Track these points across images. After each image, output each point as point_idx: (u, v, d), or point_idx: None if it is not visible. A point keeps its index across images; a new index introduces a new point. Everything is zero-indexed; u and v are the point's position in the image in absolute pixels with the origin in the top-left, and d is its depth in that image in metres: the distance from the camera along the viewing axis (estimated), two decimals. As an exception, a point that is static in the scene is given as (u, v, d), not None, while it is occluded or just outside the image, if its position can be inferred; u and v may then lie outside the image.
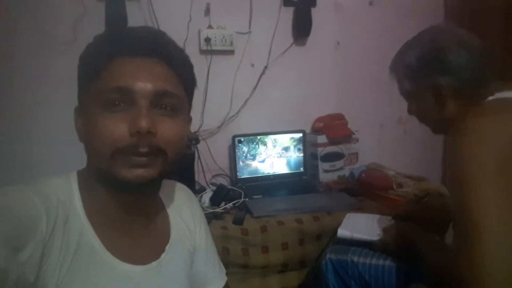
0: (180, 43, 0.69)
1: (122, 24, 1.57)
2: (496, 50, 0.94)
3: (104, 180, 0.63)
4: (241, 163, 1.81)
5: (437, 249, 0.89)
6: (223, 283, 0.87)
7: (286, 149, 1.87)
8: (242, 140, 1.80)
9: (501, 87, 0.87)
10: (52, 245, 0.55)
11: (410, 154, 2.19)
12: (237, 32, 1.80)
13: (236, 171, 1.80)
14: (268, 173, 1.85)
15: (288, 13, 1.89)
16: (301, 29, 1.90)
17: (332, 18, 1.99)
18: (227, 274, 0.90)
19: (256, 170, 1.83)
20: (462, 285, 0.67)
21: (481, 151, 0.73)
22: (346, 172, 1.88)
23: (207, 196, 1.58)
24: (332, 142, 1.86)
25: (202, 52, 1.75)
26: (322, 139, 1.85)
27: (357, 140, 1.94)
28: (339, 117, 1.97)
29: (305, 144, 1.89)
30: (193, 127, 1.72)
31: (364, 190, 1.66)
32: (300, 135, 1.89)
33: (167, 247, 0.72)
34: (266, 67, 1.88)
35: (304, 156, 1.90)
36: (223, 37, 1.76)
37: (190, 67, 0.71)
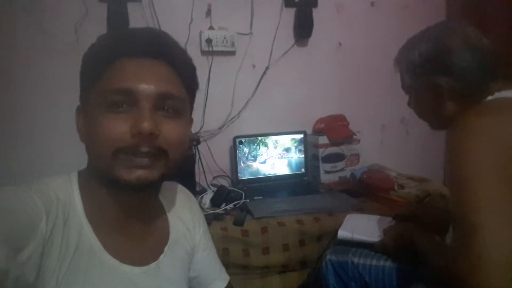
0: (181, 44, 0.69)
1: (124, 26, 1.58)
2: (501, 50, 0.92)
3: (104, 181, 0.63)
4: (242, 164, 1.81)
5: (437, 250, 0.88)
6: (226, 283, 0.87)
7: (287, 150, 1.87)
8: (243, 141, 1.80)
9: (501, 86, 0.86)
10: (52, 245, 0.56)
11: (412, 155, 2.18)
12: (238, 33, 1.80)
13: (237, 172, 1.80)
14: (269, 174, 1.85)
15: (289, 14, 1.89)
16: (303, 30, 1.90)
17: (333, 19, 1.99)
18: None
19: (257, 171, 1.83)
20: (462, 285, 0.66)
21: (480, 150, 0.73)
22: (347, 173, 1.88)
23: (207, 197, 1.58)
24: (333, 143, 1.86)
25: (204, 53, 1.75)
26: (323, 140, 1.84)
27: (359, 141, 1.93)
28: (341, 118, 1.97)
29: (306, 145, 1.89)
30: (194, 128, 1.72)
31: (365, 191, 1.66)
32: (301, 136, 1.89)
33: (165, 249, 0.72)
34: (267, 68, 1.88)
35: (305, 157, 1.89)
36: (225, 38, 1.76)
37: (193, 69, 0.71)
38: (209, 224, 0.90)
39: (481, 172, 0.71)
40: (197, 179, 1.70)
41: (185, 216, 0.80)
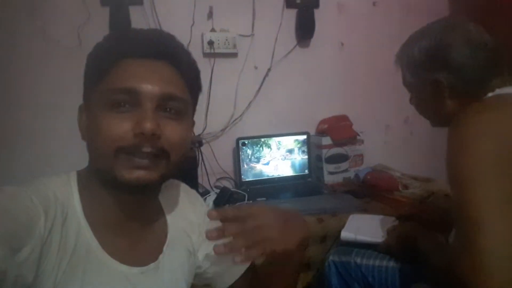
0: (183, 46, 0.70)
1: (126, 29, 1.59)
2: (504, 46, 0.91)
3: (104, 180, 0.63)
4: (245, 165, 1.80)
5: (440, 249, 0.88)
6: (244, 268, 0.81)
7: (290, 151, 1.86)
8: (246, 142, 1.80)
9: (502, 83, 0.86)
10: (50, 245, 0.56)
11: (417, 155, 2.17)
12: (240, 35, 1.80)
13: (240, 174, 1.80)
14: (273, 175, 1.84)
15: (291, 15, 1.89)
16: (305, 30, 1.89)
17: (335, 19, 1.98)
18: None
19: (261, 173, 1.83)
20: (465, 284, 0.66)
21: (481, 148, 0.72)
22: (351, 174, 1.87)
23: (210, 199, 1.58)
24: (337, 143, 1.85)
25: (205, 55, 1.76)
26: (326, 140, 1.84)
27: (362, 141, 1.93)
28: (344, 118, 1.96)
29: (310, 146, 1.89)
30: (197, 130, 1.72)
31: (369, 192, 1.65)
32: (305, 137, 1.88)
33: (164, 248, 0.72)
34: (269, 69, 1.88)
35: (309, 158, 1.89)
36: (226, 40, 1.76)
37: (197, 72, 0.72)
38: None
39: (482, 169, 0.70)
40: (200, 181, 1.70)
41: (185, 213, 0.79)
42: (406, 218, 1.17)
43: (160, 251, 0.71)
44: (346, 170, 1.88)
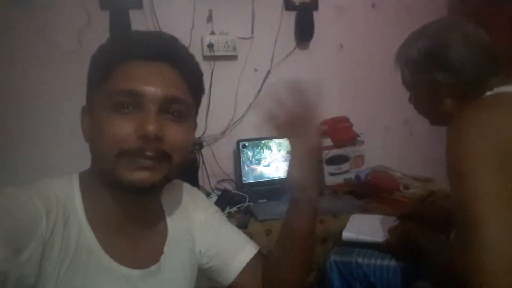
0: (184, 49, 0.70)
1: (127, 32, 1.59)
2: (501, 46, 0.92)
3: (107, 182, 0.63)
4: (246, 167, 1.81)
5: (441, 247, 0.88)
6: (252, 254, 0.79)
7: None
8: (247, 144, 1.81)
9: (500, 82, 0.86)
10: (52, 246, 0.56)
11: (417, 156, 2.17)
12: (239, 38, 1.81)
13: (241, 176, 1.80)
14: (274, 177, 1.84)
15: (290, 17, 1.90)
16: (304, 33, 1.90)
17: (334, 21, 1.99)
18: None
19: (261, 175, 1.83)
20: (465, 281, 0.66)
21: (480, 145, 0.72)
22: (352, 175, 1.87)
23: (211, 201, 1.58)
24: (337, 145, 1.85)
25: (206, 58, 1.77)
26: (327, 142, 1.84)
27: (363, 142, 1.93)
28: (344, 120, 1.96)
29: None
30: (197, 133, 1.72)
31: (370, 193, 1.65)
32: (305, 138, 1.88)
33: (165, 248, 0.72)
34: (269, 72, 1.88)
35: (310, 160, 1.88)
36: (226, 42, 1.77)
37: (200, 74, 0.71)
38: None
39: (481, 166, 0.70)
40: (201, 183, 1.71)
41: (187, 213, 0.79)
42: (406, 218, 1.17)
43: (161, 252, 0.71)
44: (346, 171, 1.89)
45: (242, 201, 1.57)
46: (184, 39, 1.76)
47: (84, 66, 0.66)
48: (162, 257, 0.70)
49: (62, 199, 0.60)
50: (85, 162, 0.66)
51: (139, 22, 1.66)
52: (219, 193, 1.65)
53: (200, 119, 1.70)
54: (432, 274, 0.92)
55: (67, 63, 1.58)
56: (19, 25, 1.54)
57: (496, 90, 0.85)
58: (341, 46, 2.03)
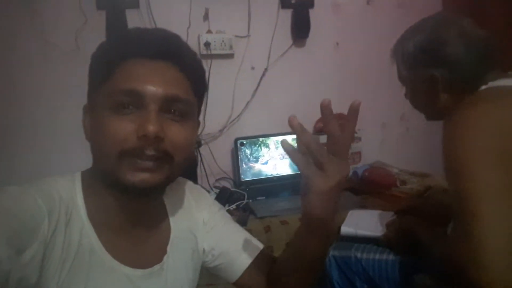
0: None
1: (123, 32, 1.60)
2: (498, 42, 0.92)
3: (108, 182, 0.62)
4: (244, 165, 1.81)
5: (439, 240, 0.89)
6: (256, 252, 0.79)
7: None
8: (245, 142, 1.81)
9: (495, 76, 0.87)
10: (54, 245, 0.55)
11: (413, 152, 2.19)
12: (236, 36, 1.82)
13: (239, 174, 1.80)
14: (271, 174, 1.85)
15: (286, 15, 1.91)
16: (300, 30, 1.91)
17: (330, 19, 2.00)
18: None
19: (259, 172, 1.83)
20: (462, 273, 0.67)
21: (476, 139, 0.73)
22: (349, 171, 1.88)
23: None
24: (334, 141, 1.86)
25: (202, 56, 1.76)
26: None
27: (360, 139, 1.94)
28: (341, 116, 1.95)
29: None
30: (196, 131, 1.73)
31: (367, 189, 1.66)
32: (302, 136, 1.89)
33: (168, 248, 0.71)
34: (266, 70, 1.89)
35: (307, 157, 1.89)
36: (223, 41, 1.78)
37: (202, 72, 0.70)
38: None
39: (478, 159, 0.71)
40: (199, 182, 1.71)
41: (190, 212, 0.78)
42: (404, 213, 1.18)
43: (164, 252, 0.70)
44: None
45: (240, 198, 1.58)
46: (181, 38, 1.75)
47: (82, 66, 0.65)
48: (165, 257, 0.70)
49: (65, 199, 0.60)
50: (85, 161, 0.66)
51: (135, 21, 1.66)
52: (217, 191, 1.66)
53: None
54: (431, 267, 0.93)
55: (65, 63, 1.58)
56: (17, 25, 1.54)
57: (491, 84, 0.86)
58: (337, 43, 2.03)
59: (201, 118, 1.83)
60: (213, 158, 1.84)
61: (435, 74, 0.91)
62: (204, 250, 0.79)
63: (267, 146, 1.84)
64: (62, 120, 1.55)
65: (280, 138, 1.84)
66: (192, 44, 1.73)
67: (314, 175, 0.55)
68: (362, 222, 1.24)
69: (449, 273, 0.76)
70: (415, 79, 0.97)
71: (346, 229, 1.21)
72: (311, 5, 1.93)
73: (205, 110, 1.78)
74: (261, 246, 0.81)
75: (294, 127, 0.56)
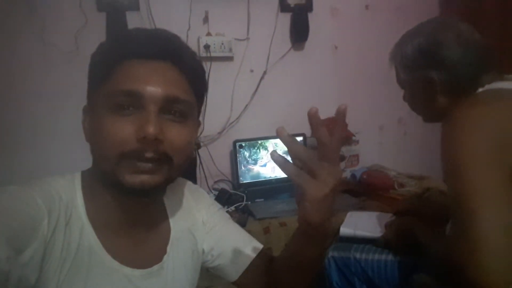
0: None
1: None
2: (494, 46, 0.94)
3: (108, 183, 0.61)
4: (242, 168, 1.82)
5: (438, 240, 0.89)
6: (255, 253, 0.79)
7: (287, 153, 1.87)
8: (243, 145, 1.82)
9: (491, 79, 0.88)
10: (54, 246, 0.55)
11: (411, 155, 2.20)
12: (235, 39, 1.83)
13: (238, 176, 1.81)
14: (270, 177, 1.85)
15: (285, 19, 1.92)
16: (299, 34, 1.93)
17: (329, 23, 2.02)
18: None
19: (258, 175, 1.84)
20: (462, 271, 0.67)
21: (473, 139, 0.74)
22: (347, 174, 1.89)
23: (210, 200, 1.59)
24: (332, 144, 1.87)
25: (202, 59, 1.75)
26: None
27: (358, 142, 1.95)
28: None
29: (306, 147, 1.90)
30: (195, 133, 1.73)
31: (366, 191, 1.67)
32: (301, 138, 1.90)
33: (168, 248, 0.71)
34: (265, 73, 1.90)
35: (305, 159, 1.90)
36: (222, 43, 1.79)
37: (202, 72, 0.69)
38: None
39: (475, 160, 0.72)
40: (198, 184, 1.71)
41: (190, 213, 0.78)
42: (403, 214, 1.19)
43: (164, 252, 0.70)
44: (342, 170, 1.91)
45: (239, 200, 1.58)
46: (180, 40, 1.76)
47: (82, 67, 0.65)
48: (165, 257, 0.69)
49: (64, 199, 0.59)
50: (85, 162, 0.66)
51: (135, 23, 1.67)
52: (216, 193, 1.66)
53: (197, 119, 1.72)
54: (430, 267, 0.93)
55: (65, 64, 1.58)
56: (17, 25, 1.54)
57: (488, 86, 0.87)
58: (336, 47, 2.05)
59: (200, 120, 1.85)
60: (212, 160, 1.85)
61: (433, 77, 0.92)
62: (203, 250, 0.79)
63: (265, 148, 1.84)
64: (62, 120, 1.56)
65: (279, 140, 1.84)
66: (192, 46, 1.71)
67: (307, 184, 0.54)
68: (361, 223, 1.24)
69: (448, 271, 0.76)
70: (413, 82, 0.98)
71: (345, 230, 1.22)
72: (310, 9, 1.94)
73: (204, 112, 1.78)
74: (260, 246, 0.81)
75: (283, 138, 0.54)
